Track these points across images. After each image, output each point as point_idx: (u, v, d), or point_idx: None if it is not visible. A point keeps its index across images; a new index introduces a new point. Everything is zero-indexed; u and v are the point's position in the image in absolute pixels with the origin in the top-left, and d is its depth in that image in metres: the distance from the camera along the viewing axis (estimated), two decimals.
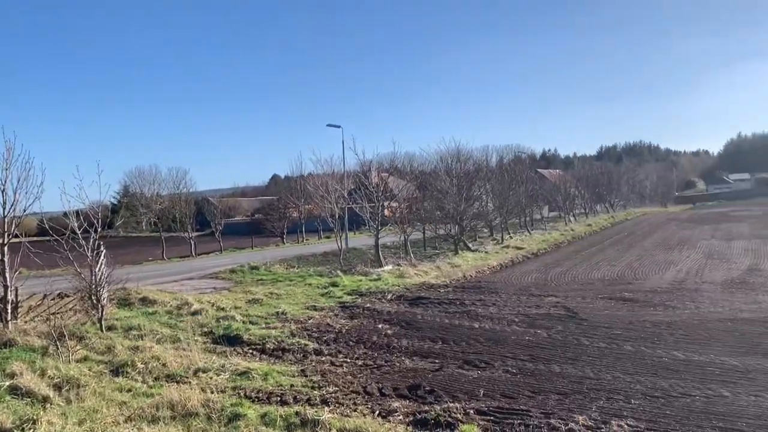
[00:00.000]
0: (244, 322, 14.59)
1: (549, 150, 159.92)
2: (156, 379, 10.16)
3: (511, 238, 38.45)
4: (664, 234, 41.62)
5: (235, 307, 16.39)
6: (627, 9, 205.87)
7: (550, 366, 10.48)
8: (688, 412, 7.93)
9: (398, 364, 11.06)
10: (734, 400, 8.34)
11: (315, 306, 17.19)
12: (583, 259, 29.11)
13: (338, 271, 23.41)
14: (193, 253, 38.62)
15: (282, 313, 15.89)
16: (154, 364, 10.69)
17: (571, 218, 56.09)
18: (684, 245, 32.64)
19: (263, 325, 14.47)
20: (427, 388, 9.32)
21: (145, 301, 16.80)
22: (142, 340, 12.48)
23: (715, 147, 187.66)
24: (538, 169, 78.03)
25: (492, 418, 7.92)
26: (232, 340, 13.13)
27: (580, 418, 7.68)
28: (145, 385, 9.75)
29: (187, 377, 10.14)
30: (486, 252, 31.68)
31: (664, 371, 9.88)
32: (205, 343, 13.01)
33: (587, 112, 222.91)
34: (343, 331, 14.12)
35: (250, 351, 12.42)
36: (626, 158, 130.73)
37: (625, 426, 7.43)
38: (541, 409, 8.14)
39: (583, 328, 13.49)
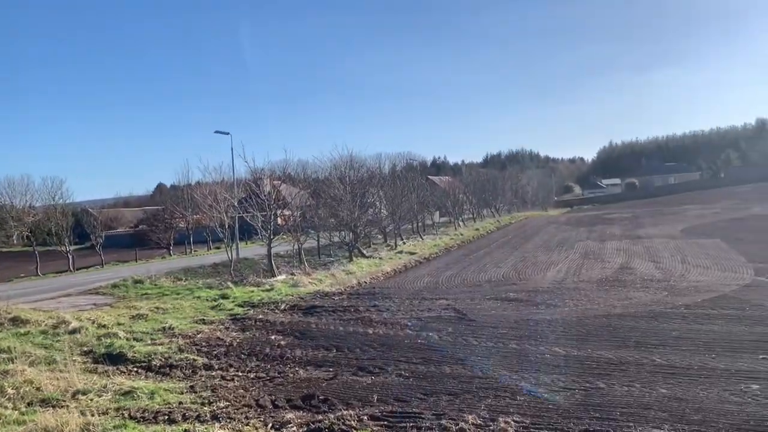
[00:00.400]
0: (128, 339, 13.86)
1: (439, 157, 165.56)
2: (29, 404, 9.41)
3: (404, 243, 39.17)
4: (545, 236, 43.85)
5: (118, 324, 15.54)
6: (510, 21, 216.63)
7: (441, 368, 10.75)
8: (569, 405, 8.40)
9: (292, 375, 10.93)
10: (609, 391, 8.92)
11: (204, 319, 16.63)
12: (472, 262, 30.13)
13: (229, 283, 22.80)
14: (72, 268, 36.50)
15: (169, 328, 15.24)
16: (27, 389, 9.91)
17: (461, 223, 57.91)
18: (563, 246, 34.58)
19: (149, 342, 13.82)
20: (321, 398, 9.27)
21: (15, 321, 15.54)
22: (12, 363, 11.52)
23: (589, 154, 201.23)
24: (429, 176, 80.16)
25: (386, 422, 8.01)
26: (115, 359, 12.45)
27: (470, 417, 7.92)
28: (16, 412, 9.00)
29: (64, 401, 9.49)
30: (380, 258, 32.03)
31: (546, 367, 10.40)
32: (85, 363, 12.25)
33: (474, 120, 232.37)
34: (234, 344, 13.76)
35: (135, 369, 11.83)
36: (510, 165, 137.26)
37: (512, 422, 7.74)
38: (433, 411, 8.33)
39: (472, 328, 13.94)
